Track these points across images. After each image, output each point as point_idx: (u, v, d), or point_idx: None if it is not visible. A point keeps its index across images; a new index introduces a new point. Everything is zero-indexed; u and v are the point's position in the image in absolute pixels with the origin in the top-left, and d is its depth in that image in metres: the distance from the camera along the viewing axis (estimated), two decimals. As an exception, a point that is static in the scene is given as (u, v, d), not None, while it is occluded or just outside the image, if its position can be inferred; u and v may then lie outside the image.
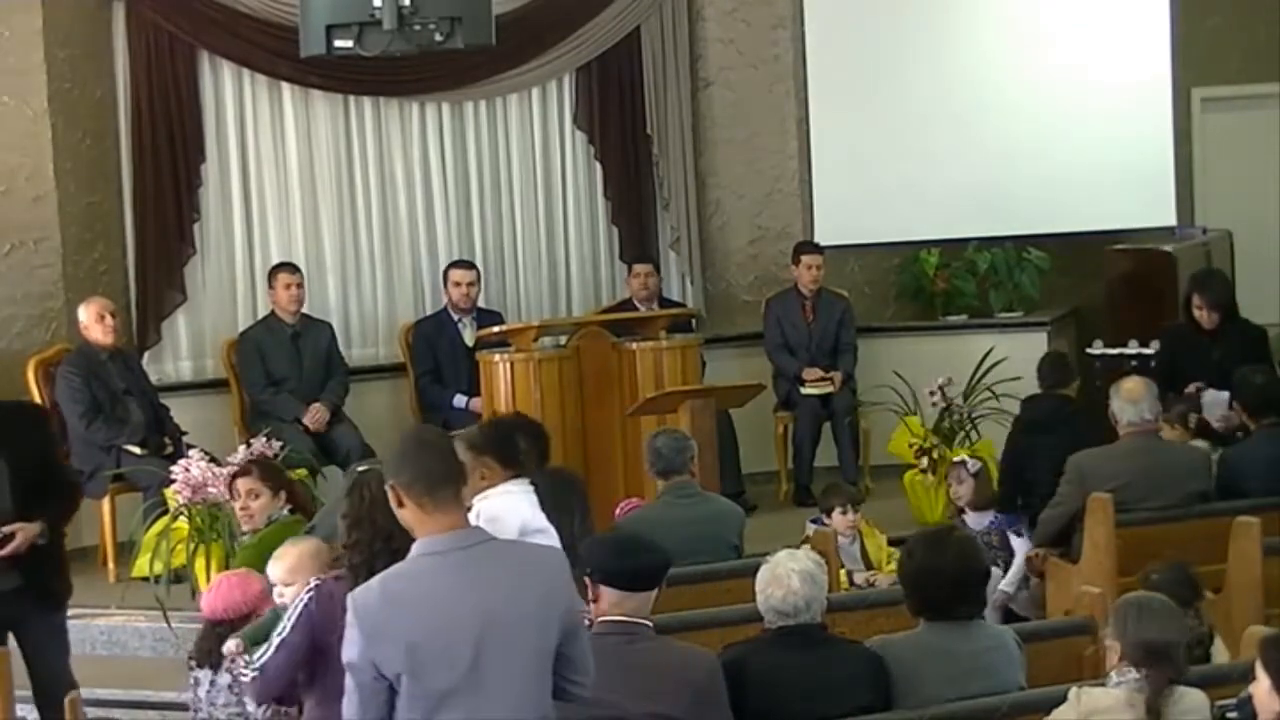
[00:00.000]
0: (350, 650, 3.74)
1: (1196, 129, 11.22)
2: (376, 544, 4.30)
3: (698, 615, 5.49)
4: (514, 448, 5.68)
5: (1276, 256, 10.83)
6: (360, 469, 4.61)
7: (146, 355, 9.23)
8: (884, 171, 10.59)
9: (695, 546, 6.26)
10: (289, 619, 4.58)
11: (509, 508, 5.41)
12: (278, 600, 5.04)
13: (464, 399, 9.26)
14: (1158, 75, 10.51)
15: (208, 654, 5.54)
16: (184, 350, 9.56)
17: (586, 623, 4.21)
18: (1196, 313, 8.44)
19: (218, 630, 5.47)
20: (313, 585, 4.58)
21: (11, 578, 5.87)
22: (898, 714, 4.61)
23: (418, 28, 7.23)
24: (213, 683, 5.57)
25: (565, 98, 10.47)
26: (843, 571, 7.11)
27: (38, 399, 8.43)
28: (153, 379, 8.98)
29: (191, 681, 5.65)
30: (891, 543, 7.44)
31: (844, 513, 7.40)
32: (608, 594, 4.46)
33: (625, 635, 4.43)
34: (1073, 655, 5.10)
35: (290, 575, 5.00)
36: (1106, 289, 10.01)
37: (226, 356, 9.34)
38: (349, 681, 3.77)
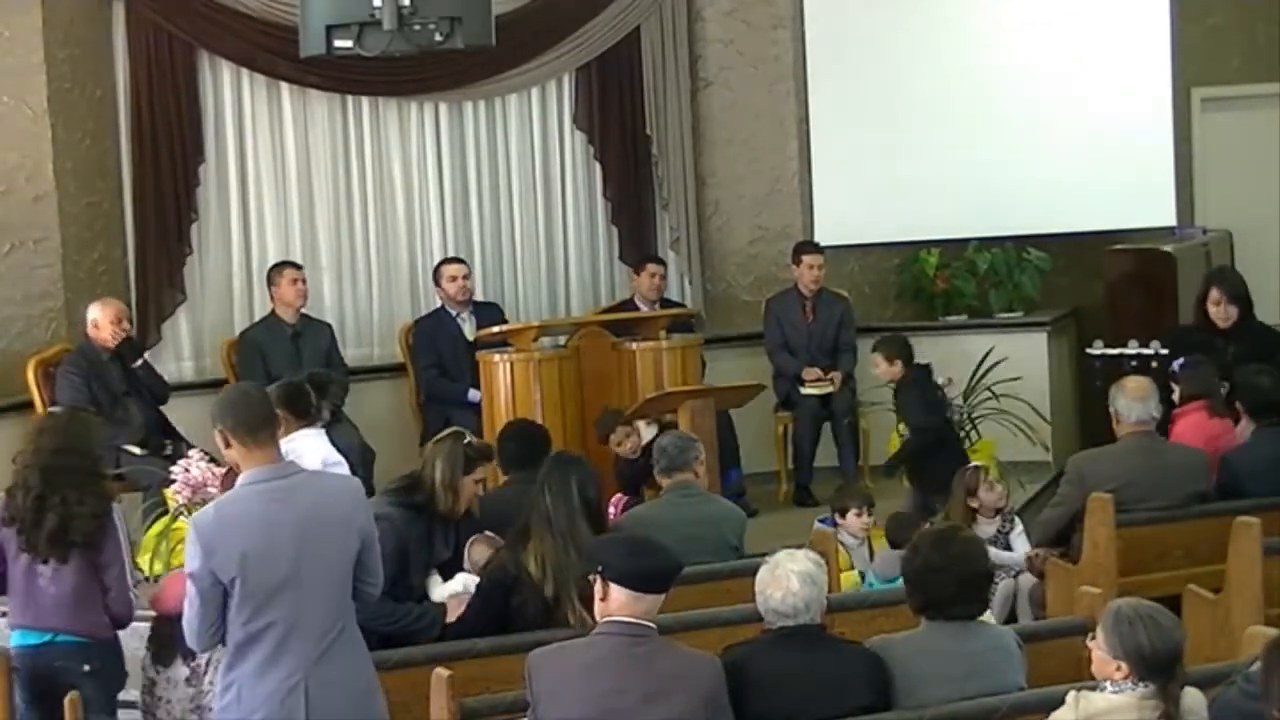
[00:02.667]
0: (192, 563, 4.53)
1: (1196, 129, 11.20)
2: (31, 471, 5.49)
3: (698, 615, 5.49)
4: (305, 403, 6.85)
5: (1276, 256, 10.81)
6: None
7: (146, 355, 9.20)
8: (884, 171, 10.59)
9: (695, 547, 6.24)
10: None
11: (311, 447, 6.69)
12: None
13: (478, 394, 9.09)
14: (1157, 75, 10.51)
15: (165, 651, 5.76)
16: (185, 350, 9.57)
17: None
18: (1213, 308, 8.24)
19: (173, 627, 5.53)
20: None
21: None
22: (898, 714, 4.61)
23: (418, 28, 7.21)
24: (168, 679, 5.75)
25: (565, 98, 10.48)
26: (855, 573, 7.11)
27: (38, 399, 8.44)
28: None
29: (145, 682, 5.76)
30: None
31: (859, 514, 7.38)
32: (620, 594, 4.42)
33: (630, 636, 4.41)
34: (1073, 655, 5.08)
35: None
36: (1106, 289, 9.99)
37: (226, 356, 9.33)
38: (190, 589, 4.55)
